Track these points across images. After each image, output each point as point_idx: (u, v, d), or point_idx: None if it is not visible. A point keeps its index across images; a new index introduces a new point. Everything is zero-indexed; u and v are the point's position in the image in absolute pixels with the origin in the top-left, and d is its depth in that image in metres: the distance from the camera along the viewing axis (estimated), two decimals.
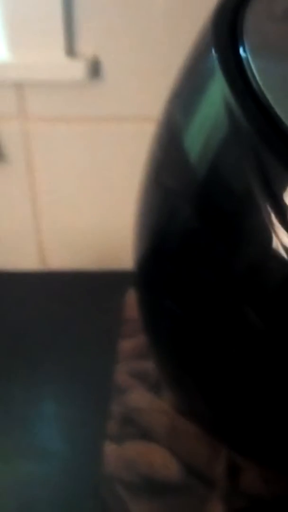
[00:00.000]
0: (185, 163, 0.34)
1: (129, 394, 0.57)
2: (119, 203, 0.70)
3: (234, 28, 0.34)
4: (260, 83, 0.30)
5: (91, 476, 0.55)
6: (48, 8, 0.57)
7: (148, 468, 0.52)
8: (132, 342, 0.61)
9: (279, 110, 0.29)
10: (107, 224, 0.75)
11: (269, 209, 0.28)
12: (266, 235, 0.29)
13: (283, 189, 0.28)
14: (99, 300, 0.73)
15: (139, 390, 0.57)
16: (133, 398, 0.57)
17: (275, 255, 0.29)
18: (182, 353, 0.41)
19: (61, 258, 0.79)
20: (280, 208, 0.28)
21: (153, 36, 0.59)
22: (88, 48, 0.60)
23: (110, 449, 0.53)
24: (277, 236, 0.29)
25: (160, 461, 0.52)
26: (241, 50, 0.32)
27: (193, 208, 0.34)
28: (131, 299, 0.64)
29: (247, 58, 0.32)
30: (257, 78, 0.31)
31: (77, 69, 0.60)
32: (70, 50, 0.60)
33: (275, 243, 0.29)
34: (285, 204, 0.28)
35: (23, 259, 0.79)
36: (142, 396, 0.57)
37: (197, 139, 0.34)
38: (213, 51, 0.33)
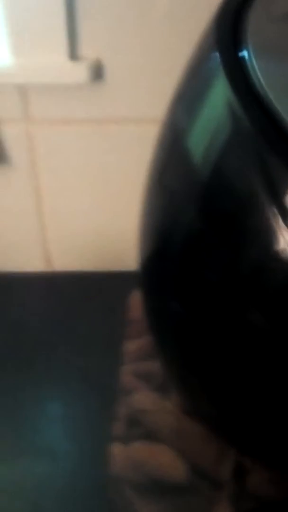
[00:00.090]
0: (188, 164, 0.34)
1: (135, 395, 0.57)
2: (123, 204, 0.71)
3: (236, 29, 0.34)
4: (263, 83, 0.31)
5: (98, 476, 0.55)
6: (51, 12, 0.57)
7: (155, 468, 0.52)
8: (137, 343, 0.61)
9: (281, 110, 0.29)
10: (111, 225, 0.75)
11: (272, 209, 0.29)
12: (270, 236, 0.29)
13: (286, 190, 0.28)
14: (104, 302, 0.73)
15: (145, 391, 0.57)
16: (138, 399, 0.57)
17: (280, 256, 0.29)
18: (188, 353, 0.41)
19: (66, 260, 0.79)
20: (284, 209, 0.28)
21: (155, 39, 0.59)
22: (91, 51, 0.61)
23: (117, 450, 0.53)
24: (281, 237, 0.29)
25: (167, 462, 0.52)
26: (243, 51, 0.32)
27: (196, 209, 0.34)
28: (135, 300, 0.64)
29: (249, 59, 0.32)
30: (260, 78, 0.31)
31: (80, 72, 0.61)
32: (73, 53, 0.60)
33: (279, 244, 0.29)
34: None
35: (28, 260, 0.79)
36: (147, 397, 0.57)
37: (200, 140, 0.34)
38: (215, 52, 0.33)
